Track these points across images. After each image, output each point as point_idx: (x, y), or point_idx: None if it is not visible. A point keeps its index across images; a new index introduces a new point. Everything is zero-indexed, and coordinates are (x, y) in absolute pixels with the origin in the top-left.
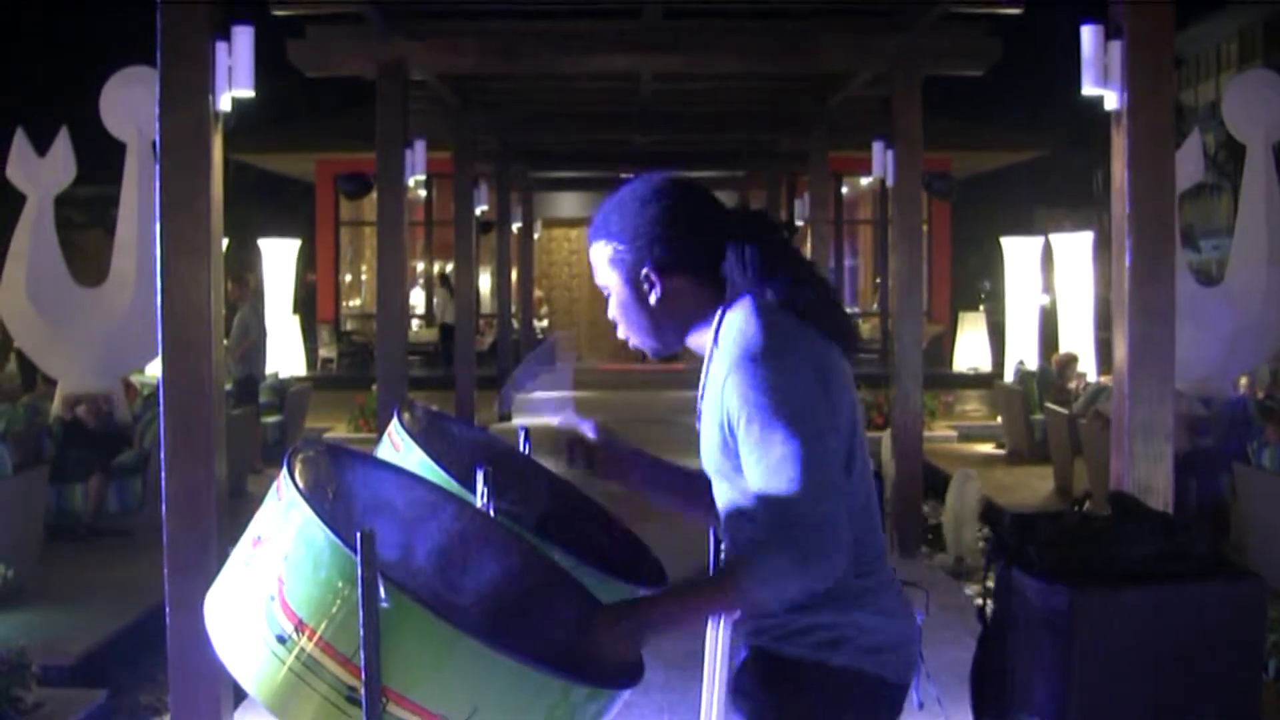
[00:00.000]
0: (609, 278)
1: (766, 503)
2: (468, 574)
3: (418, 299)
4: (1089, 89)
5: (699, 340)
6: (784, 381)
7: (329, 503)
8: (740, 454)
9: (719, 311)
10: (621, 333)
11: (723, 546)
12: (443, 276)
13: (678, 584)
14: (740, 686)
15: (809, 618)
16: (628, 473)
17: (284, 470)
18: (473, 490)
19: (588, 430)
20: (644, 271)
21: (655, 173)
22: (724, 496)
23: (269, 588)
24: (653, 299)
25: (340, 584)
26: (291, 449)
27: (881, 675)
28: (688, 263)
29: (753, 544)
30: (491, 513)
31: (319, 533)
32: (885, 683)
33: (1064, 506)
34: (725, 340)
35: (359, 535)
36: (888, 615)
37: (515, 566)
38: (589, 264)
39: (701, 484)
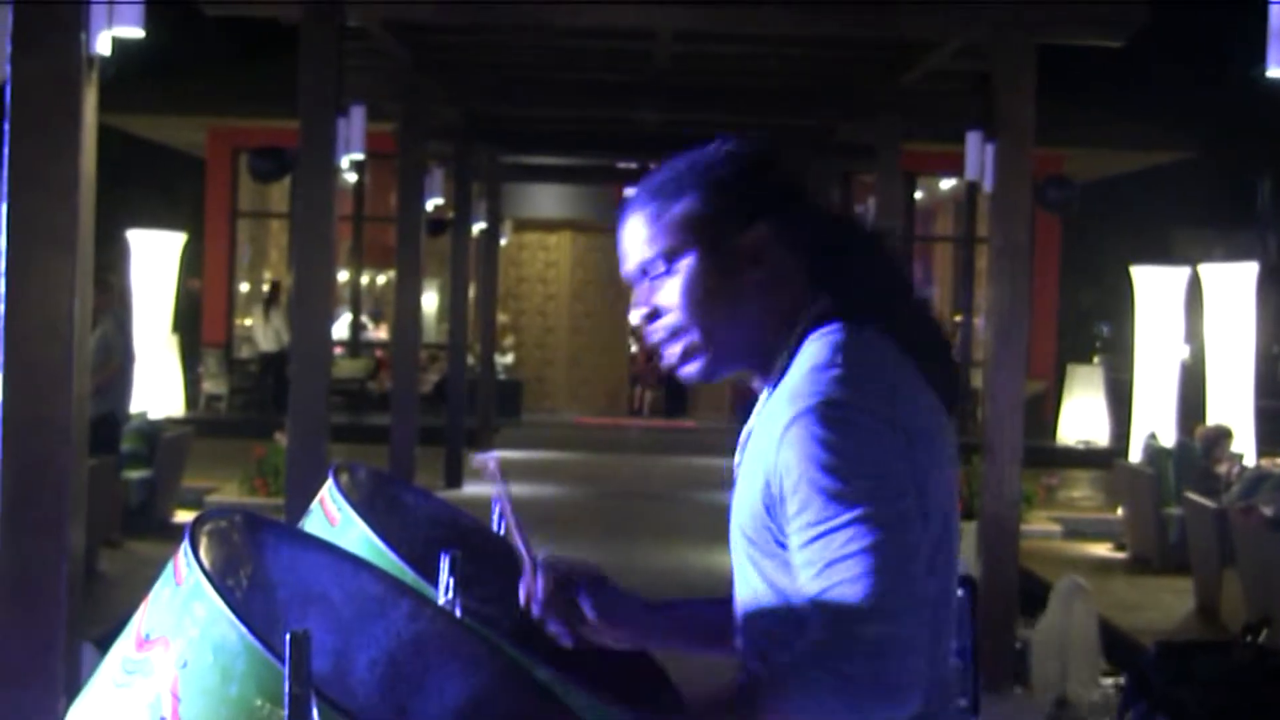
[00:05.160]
0: (670, 243)
1: (821, 614)
2: (424, 693)
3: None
4: (1278, 70)
5: (764, 357)
6: (862, 445)
7: (242, 592)
8: (787, 534)
9: (800, 328)
10: (664, 338)
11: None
12: (272, 287)
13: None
14: None
15: None
16: (646, 630)
17: (185, 546)
18: (433, 582)
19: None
20: (744, 235)
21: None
22: (745, 584)
23: (159, 708)
24: (747, 272)
25: (259, 702)
26: (196, 518)
27: None
28: (793, 234)
29: (794, 669)
30: (458, 613)
31: (233, 633)
32: None
33: (1233, 636)
34: (797, 371)
35: (289, 638)
36: None
37: (486, 685)
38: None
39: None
